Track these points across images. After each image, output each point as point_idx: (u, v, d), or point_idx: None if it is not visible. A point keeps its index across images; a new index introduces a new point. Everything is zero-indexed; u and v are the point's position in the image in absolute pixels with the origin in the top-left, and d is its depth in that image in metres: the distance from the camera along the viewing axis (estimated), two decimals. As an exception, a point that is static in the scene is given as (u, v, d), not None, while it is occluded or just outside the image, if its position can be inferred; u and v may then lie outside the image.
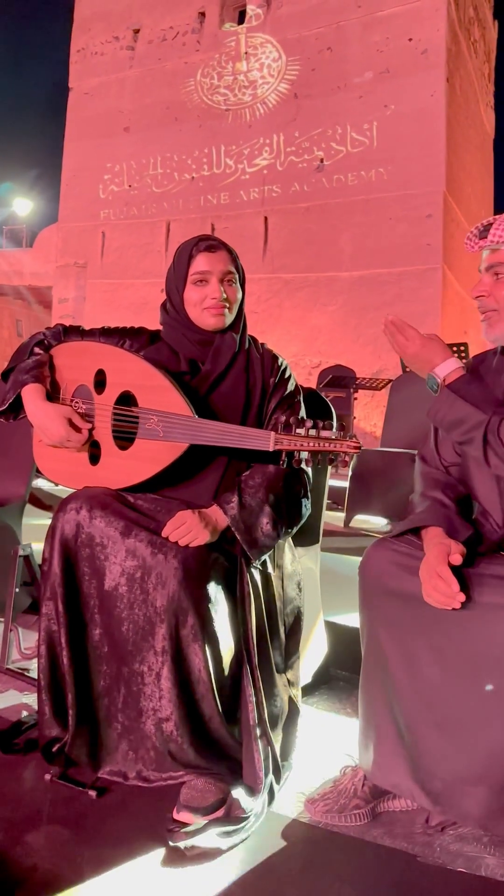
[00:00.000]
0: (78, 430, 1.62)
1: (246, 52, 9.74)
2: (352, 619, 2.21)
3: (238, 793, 1.41)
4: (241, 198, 9.62)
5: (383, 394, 7.71)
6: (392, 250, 8.41)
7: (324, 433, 1.42)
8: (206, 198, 9.88)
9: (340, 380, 5.71)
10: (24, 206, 15.06)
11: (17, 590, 2.11)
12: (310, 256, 9.00)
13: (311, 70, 9.23)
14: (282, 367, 1.73)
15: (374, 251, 8.52)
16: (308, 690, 1.95)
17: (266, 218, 9.36)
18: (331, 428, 1.42)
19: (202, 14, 10.14)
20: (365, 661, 1.43)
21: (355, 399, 6.00)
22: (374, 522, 4.12)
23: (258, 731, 1.45)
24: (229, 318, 1.68)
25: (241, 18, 10.00)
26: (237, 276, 1.69)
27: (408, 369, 4.78)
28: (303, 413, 1.71)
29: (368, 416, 8.35)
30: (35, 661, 2.00)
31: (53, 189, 11.72)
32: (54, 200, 11.66)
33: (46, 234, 12.25)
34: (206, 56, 10.01)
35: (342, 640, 2.14)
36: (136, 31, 10.60)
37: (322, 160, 9.06)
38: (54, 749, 1.50)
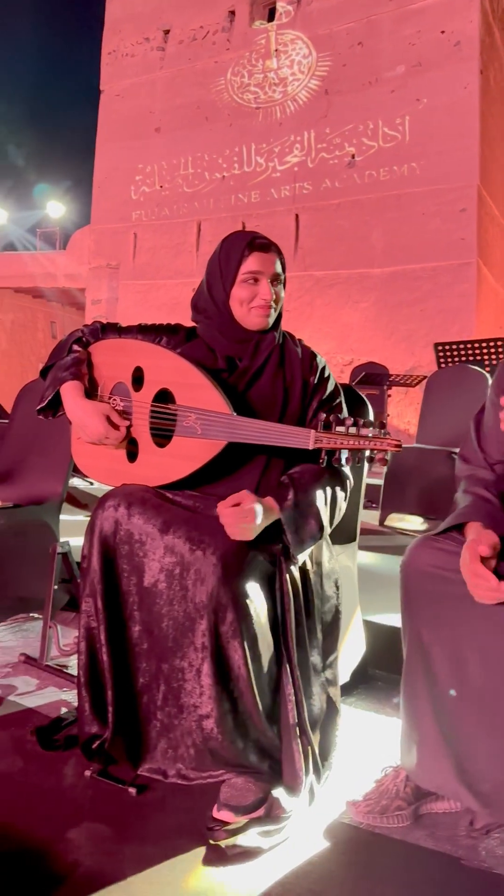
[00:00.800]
0: (116, 427, 1.63)
1: (276, 50, 9.71)
2: (389, 618, 2.19)
3: (278, 792, 1.40)
4: (271, 196, 9.60)
5: (416, 391, 7.63)
6: (425, 246, 8.31)
7: (364, 431, 1.40)
8: (237, 196, 9.88)
9: (373, 377, 5.66)
10: (56, 208, 15.21)
11: (56, 587, 2.12)
12: (341, 253, 8.95)
13: (342, 66, 9.17)
14: (321, 366, 1.71)
15: (407, 247, 8.44)
16: (346, 690, 1.93)
17: (297, 215, 9.32)
18: (371, 426, 1.40)
19: (232, 13, 10.13)
20: (407, 662, 1.41)
21: (389, 396, 5.95)
22: (409, 521, 4.08)
23: (298, 731, 1.44)
24: (272, 319, 1.67)
25: (271, 16, 9.97)
26: (283, 276, 1.68)
27: (443, 365, 4.73)
28: (344, 412, 1.70)
29: (402, 413, 8.27)
30: (74, 657, 2.01)
31: (86, 191, 11.84)
32: (87, 202, 11.77)
33: (79, 235, 12.37)
34: (237, 55, 10.01)
35: (380, 638, 2.12)
36: (167, 32, 10.63)
37: (353, 156, 9.00)
38: (94, 746, 1.50)
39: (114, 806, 1.42)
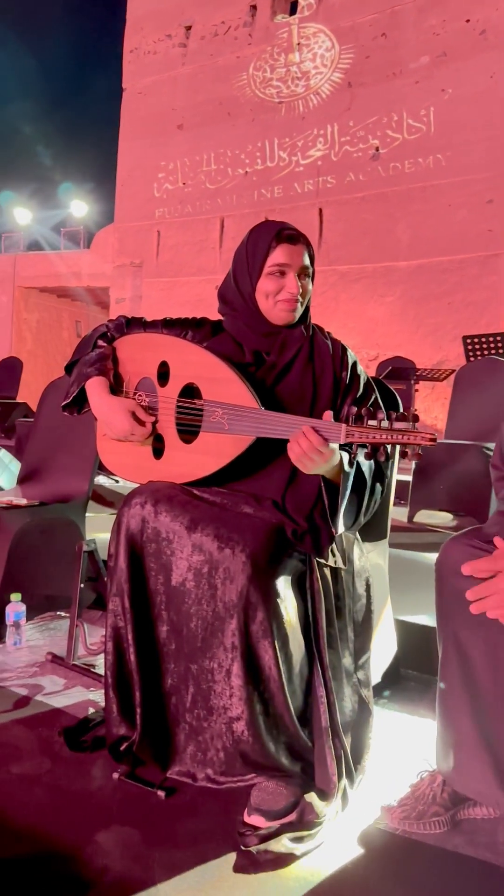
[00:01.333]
0: (142, 423, 1.60)
1: (298, 43, 9.63)
2: (421, 617, 2.14)
3: (310, 796, 1.36)
4: (294, 190, 9.53)
5: (444, 386, 7.53)
6: (452, 238, 8.19)
7: (397, 425, 1.34)
8: (260, 192, 9.82)
9: (400, 371, 5.57)
10: (80, 207, 15.27)
11: (82, 585, 2.11)
12: (366, 247, 8.85)
13: (366, 57, 9.05)
14: (351, 362, 1.65)
15: (433, 239, 8.31)
16: (378, 690, 1.88)
17: (321, 210, 9.24)
18: (404, 419, 1.35)
19: (253, 7, 10.06)
20: (443, 663, 1.36)
21: (416, 391, 5.86)
22: (439, 517, 4.01)
23: (330, 733, 1.40)
24: (299, 313, 1.62)
25: (293, 9, 9.88)
26: (311, 269, 1.62)
27: (472, 358, 4.64)
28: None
29: (429, 408, 8.17)
30: (101, 656, 1.99)
31: (109, 190, 11.86)
32: (110, 201, 11.79)
33: (103, 234, 12.39)
34: (258, 49, 9.94)
35: (412, 638, 2.08)
36: (188, 28, 10.60)
37: (377, 148, 8.89)
38: (122, 748, 1.48)
39: (142, 809, 1.39)
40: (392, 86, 8.83)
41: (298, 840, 1.29)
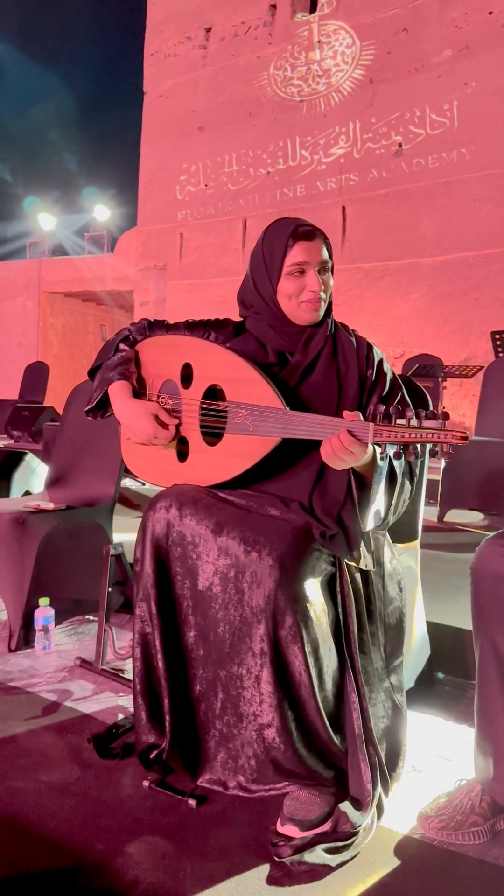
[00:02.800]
0: (165, 426, 1.58)
1: (319, 41, 9.57)
2: (454, 619, 2.09)
3: (345, 806, 1.33)
4: (317, 189, 9.47)
5: (471, 383, 7.43)
6: (477, 232, 8.07)
7: (426, 423, 1.30)
8: (282, 191, 9.78)
9: (427, 369, 5.49)
10: (103, 212, 15.35)
11: (110, 589, 2.10)
12: (390, 244, 8.77)
13: (387, 53, 8.97)
14: (377, 359, 1.61)
15: (458, 235, 8.21)
16: (412, 695, 1.84)
17: (344, 207, 9.17)
18: (434, 417, 1.30)
19: (273, 6, 10.03)
20: (481, 670, 1.32)
21: (444, 389, 5.78)
22: (469, 516, 3.94)
23: (364, 740, 1.36)
24: (323, 311, 1.58)
25: (313, 7, 9.83)
26: (330, 263, 1.58)
27: (501, 354, 4.56)
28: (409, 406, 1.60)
29: (457, 406, 8.06)
30: (129, 661, 1.98)
31: (132, 193, 11.91)
32: (133, 204, 11.84)
33: (126, 238, 12.45)
34: (279, 48, 9.91)
35: (446, 641, 2.03)
36: (208, 30, 10.60)
37: (400, 145, 8.80)
38: (152, 756, 1.46)
39: (173, 818, 1.37)
40: (414, 81, 8.74)
41: (334, 851, 1.26)
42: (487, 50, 8.26)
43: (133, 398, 1.61)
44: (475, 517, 3.96)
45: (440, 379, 5.56)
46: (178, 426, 1.59)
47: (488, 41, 8.26)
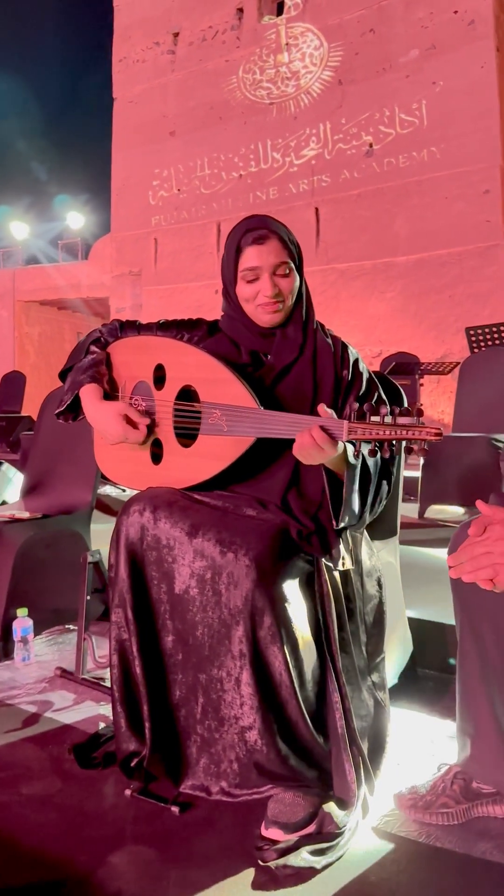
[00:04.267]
0: (135, 425, 1.55)
1: (287, 44, 9.61)
2: (436, 614, 2.09)
3: (329, 806, 1.31)
4: (290, 191, 9.50)
5: (448, 380, 7.48)
6: (450, 230, 8.14)
7: (401, 420, 1.29)
8: (255, 194, 9.79)
9: (404, 366, 5.52)
10: (76, 219, 15.28)
11: (89, 597, 2.07)
12: (364, 244, 8.81)
13: (355, 54, 9.02)
14: (353, 359, 1.60)
15: (431, 233, 8.26)
16: (395, 692, 1.83)
17: (317, 209, 9.21)
18: (408, 414, 1.29)
19: (240, 10, 10.05)
20: (462, 654, 1.32)
21: (421, 386, 5.81)
22: (450, 512, 3.95)
23: (347, 739, 1.35)
24: (285, 313, 1.56)
25: (280, 10, 9.87)
26: (291, 263, 1.53)
27: (476, 349, 4.59)
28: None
29: (435, 402, 8.11)
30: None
31: (104, 200, 11.86)
32: (106, 211, 11.79)
33: (100, 245, 12.41)
34: (247, 52, 9.93)
35: (428, 636, 2.03)
36: (176, 35, 10.59)
37: (371, 145, 8.85)
38: (133, 763, 1.44)
39: (156, 826, 1.35)
40: (383, 81, 8.80)
41: (319, 853, 1.24)
42: (454, 49, 8.34)
43: (102, 401, 1.59)
44: (456, 512, 3.97)
45: (417, 376, 5.60)
46: (149, 426, 1.56)
47: (454, 40, 8.33)
